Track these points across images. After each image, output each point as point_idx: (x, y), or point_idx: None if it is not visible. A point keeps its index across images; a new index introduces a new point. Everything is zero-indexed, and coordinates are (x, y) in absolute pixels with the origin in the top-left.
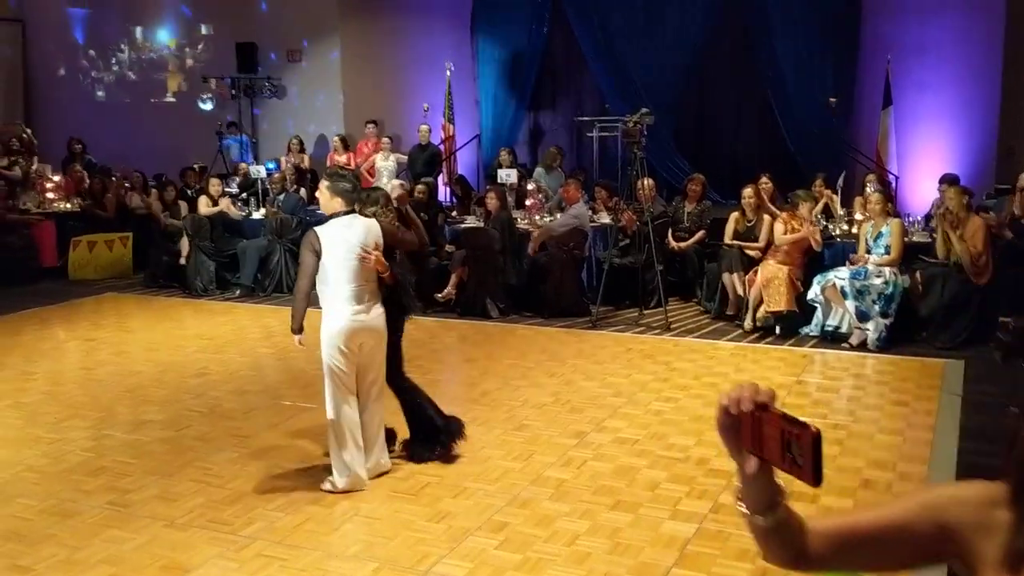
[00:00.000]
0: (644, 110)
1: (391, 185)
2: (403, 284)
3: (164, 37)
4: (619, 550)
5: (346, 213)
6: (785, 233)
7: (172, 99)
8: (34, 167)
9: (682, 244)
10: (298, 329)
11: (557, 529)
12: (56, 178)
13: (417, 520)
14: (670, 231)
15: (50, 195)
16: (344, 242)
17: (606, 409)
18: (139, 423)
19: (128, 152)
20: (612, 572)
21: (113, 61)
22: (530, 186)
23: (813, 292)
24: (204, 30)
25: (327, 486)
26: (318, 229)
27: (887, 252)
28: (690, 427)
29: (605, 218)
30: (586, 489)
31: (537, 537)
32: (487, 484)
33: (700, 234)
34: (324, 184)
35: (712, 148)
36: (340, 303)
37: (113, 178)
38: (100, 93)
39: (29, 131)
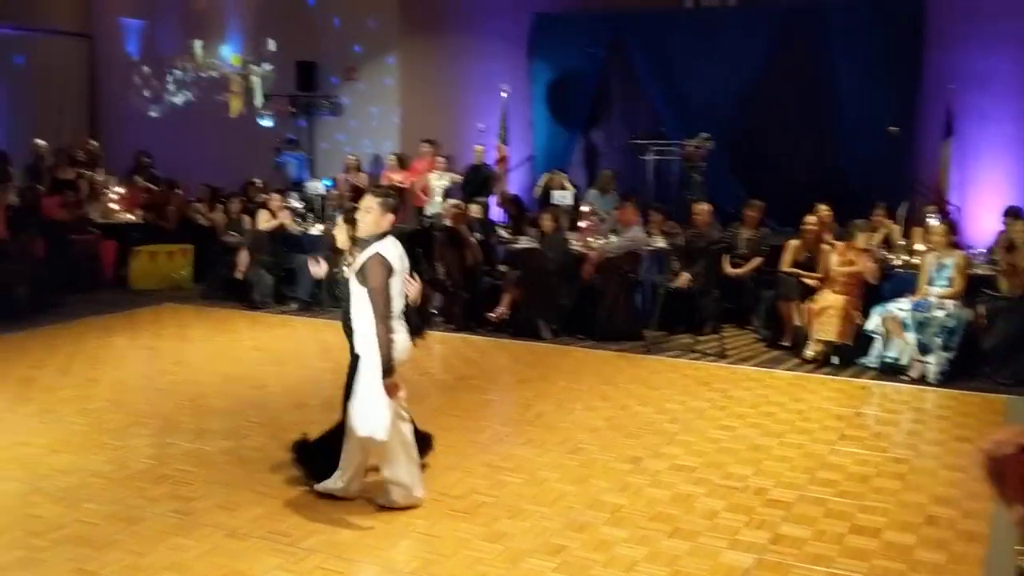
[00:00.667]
0: (704, 135)
1: (446, 204)
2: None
3: (227, 54)
4: None
5: (389, 232)
6: (841, 264)
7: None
8: (99, 178)
9: (738, 270)
10: (392, 371)
11: (615, 555)
12: (120, 190)
13: (474, 539)
14: (726, 257)
15: (113, 206)
16: (399, 260)
17: (662, 435)
18: (200, 432)
19: (189, 165)
20: None
21: (176, 76)
22: (584, 208)
23: (873, 323)
24: (270, 45)
25: (384, 501)
26: (381, 250)
27: (950, 284)
28: (748, 456)
29: (660, 242)
30: (643, 515)
31: (595, 562)
32: (543, 506)
33: (757, 261)
34: (375, 201)
35: (768, 174)
36: (394, 324)
37: (177, 191)
38: (162, 107)
39: (95, 143)
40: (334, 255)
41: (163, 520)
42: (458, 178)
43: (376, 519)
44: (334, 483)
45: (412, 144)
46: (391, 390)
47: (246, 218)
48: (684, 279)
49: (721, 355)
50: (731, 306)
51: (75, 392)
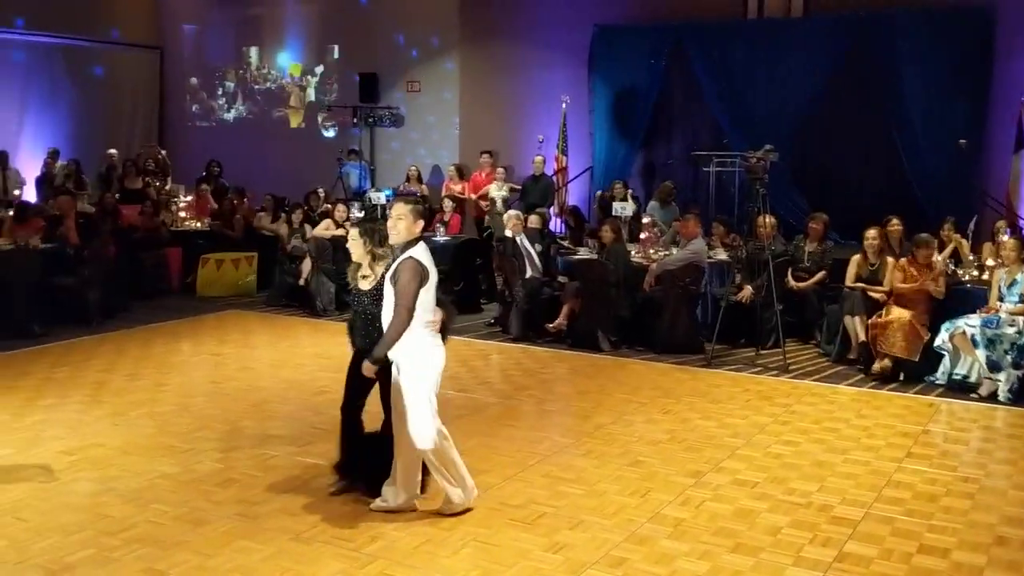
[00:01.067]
0: (768, 146)
1: (506, 215)
2: None
3: (286, 63)
4: None
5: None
6: (904, 280)
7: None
8: (167, 187)
9: (802, 284)
10: (384, 360)
11: (677, 568)
12: (188, 198)
13: (534, 550)
14: (790, 270)
15: (181, 214)
16: (432, 266)
17: (724, 449)
18: (265, 437)
19: (253, 175)
20: None
21: (242, 87)
22: (645, 220)
23: (941, 339)
24: (334, 54)
25: (446, 508)
26: (417, 256)
27: (1021, 300)
28: (812, 472)
29: (722, 254)
30: (705, 530)
31: (656, 575)
32: (603, 518)
33: (821, 274)
34: (406, 208)
35: (833, 187)
36: (430, 332)
37: (243, 200)
38: (228, 117)
39: (164, 152)
40: (353, 270)
41: (229, 522)
42: (517, 188)
43: (437, 527)
44: (394, 500)
45: (471, 155)
46: (366, 372)
47: (308, 227)
48: (746, 292)
49: (784, 369)
50: (794, 320)
51: (144, 396)
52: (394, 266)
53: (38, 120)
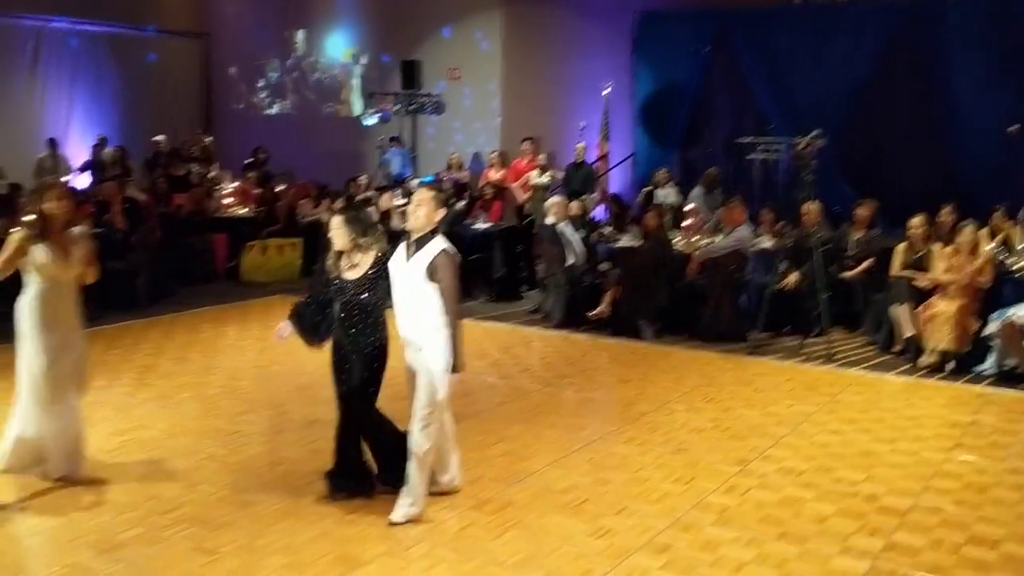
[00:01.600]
0: (815, 132)
1: (548, 202)
2: None
3: (336, 48)
4: None
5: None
6: (947, 270)
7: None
8: (211, 174)
9: (848, 273)
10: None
11: (722, 555)
12: (233, 185)
13: (578, 535)
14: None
15: (226, 201)
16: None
17: (769, 438)
18: (310, 421)
19: (296, 161)
20: None
21: (287, 75)
22: (688, 207)
23: (990, 329)
24: (371, 47)
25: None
26: (450, 249)
27: None
28: (859, 462)
29: (767, 242)
30: (751, 517)
31: (701, 562)
32: (647, 505)
33: (867, 263)
34: (428, 194)
35: (879, 175)
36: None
37: (289, 186)
38: (272, 104)
39: (209, 140)
40: (335, 259)
41: (275, 504)
42: (559, 175)
43: (481, 511)
44: (418, 509)
45: (513, 142)
46: (450, 385)
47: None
48: (792, 280)
49: (829, 358)
50: (839, 309)
51: (191, 379)
52: (428, 260)
53: (86, 108)
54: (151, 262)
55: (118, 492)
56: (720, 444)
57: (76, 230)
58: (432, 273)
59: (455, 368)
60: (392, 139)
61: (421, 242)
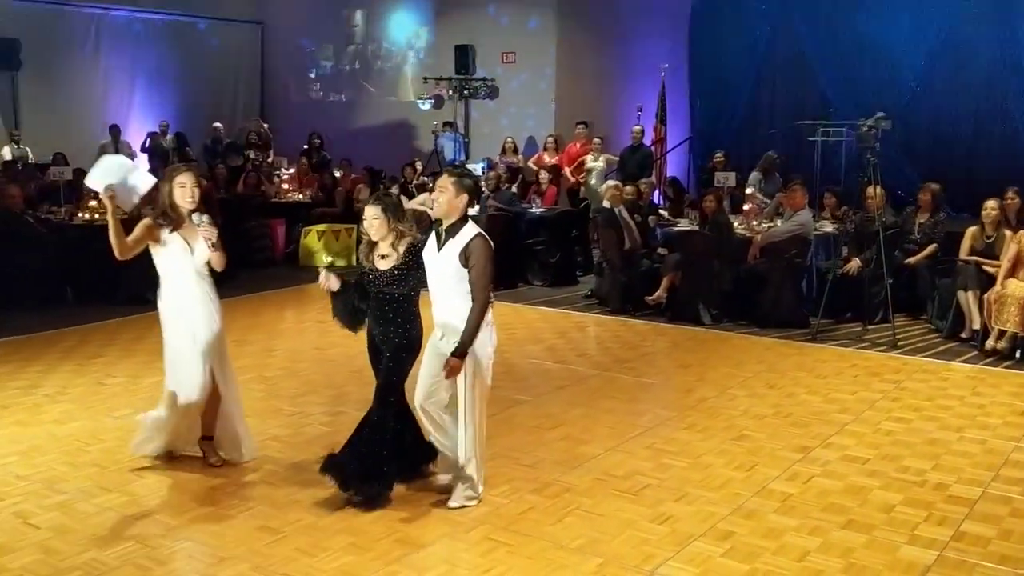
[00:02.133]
0: (880, 114)
1: (605, 186)
2: None
3: (390, 40)
4: (854, 571)
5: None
6: (1018, 254)
7: (393, 95)
8: (269, 160)
9: (912, 259)
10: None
11: (785, 543)
12: (291, 170)
13: (640, 520)
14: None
15: (284, 186)
16: None
17: (832, 425)
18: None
19: (351, 147)
20: None
21: (340, 61)
22: (748, 190)
23: None
24: (427, 32)
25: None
26: (483, 233)
27: None
28: (925, 450)
29: (828, 226)
30: (814, 505)
31: (765, 549)
32: (709, 491)
33: (932, 247)
34: (449, 181)
35: (945, 157)
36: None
37: (349, 173)
38: (327, 91)
39: (266, 126)
40: (367, 249)
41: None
42: (614, 159)
43: (540, 495)
44: (475, 493)
45: (567, 126)
46: (455, 370)
47: (404, 200)
48: (854, 265)
49: (893, 345)
50: (903, 295)
51: (253, 361)
52: (462, 246)
53: (146, 94)
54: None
55: (183, 471)
56: (782, 431)
57: (203, 216)
58: (466, 259)
59: (458, 351)
60: (446, 124)
61: (452, 230)
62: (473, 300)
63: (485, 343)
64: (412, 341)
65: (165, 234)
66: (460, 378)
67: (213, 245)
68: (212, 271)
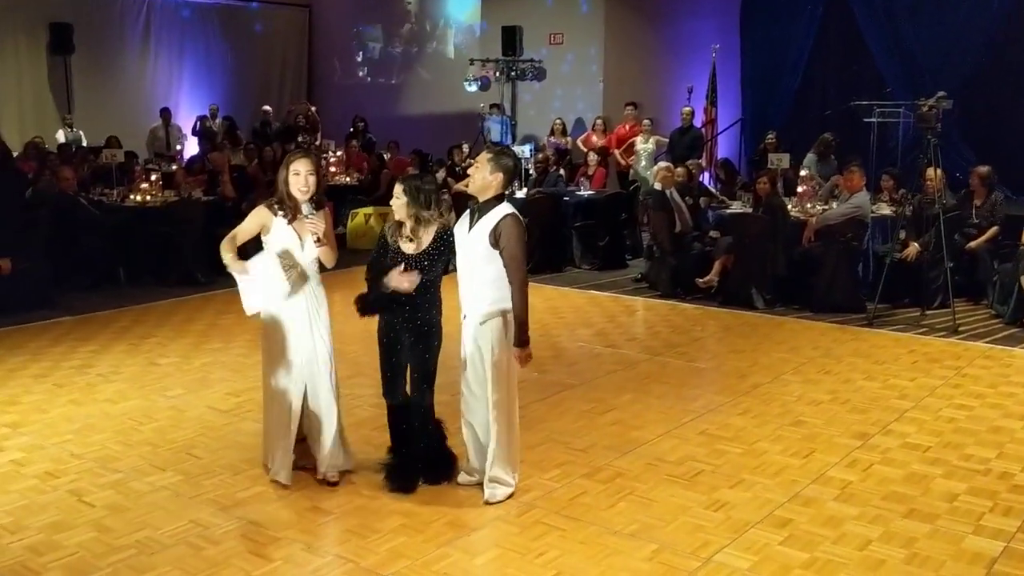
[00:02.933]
0: (941, 94)
1: (656, 167)
2: None
3: (437, 22)
4: (917, 561)
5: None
6: None
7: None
8: (317, 143)
9: (973, 243)
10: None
11: (846, 532)
12: (338, 153)
13: (694, 507)
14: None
15: (332, 169)
16: None
17: (891, 412)
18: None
19: (398, 130)
20: None
21: (386, 44)
22: (802, 172)
23: None
24: (472, 13)
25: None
26: (515, 212)
27: None
28: (989, 438)
29: (886, 209)
30: (875, 494)
31: (824, 538)
32: (765, 478)
33: (993, 230)
34: (485, 157)
35: (1005, 138)
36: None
37: (389, 155)
38: (373, 73)
39: (313, 109)
40: (394, 228)
41: None
42: (664, 141)
43: (593, 479)
44: (513, 479)
45: (616, 107)
46: (524, 360)
47: (451, 182)
48: (912, 249)
49: (953, 331)
50: (963, 279)
51: None
52: (492, 225)
53: (195, 78)
54: None
55: (236, 451)
56: (839, 417)
57: (313, 208)
58: (496, 239)
59: (518, 343)
60: (492, 106)
61: (484, 208)
62: (511, 281)
63: (504, 338)
64: (438, 326)
65: (278, 224)
66: (486, 364)
67: (318, 240)
68: (322, 267)
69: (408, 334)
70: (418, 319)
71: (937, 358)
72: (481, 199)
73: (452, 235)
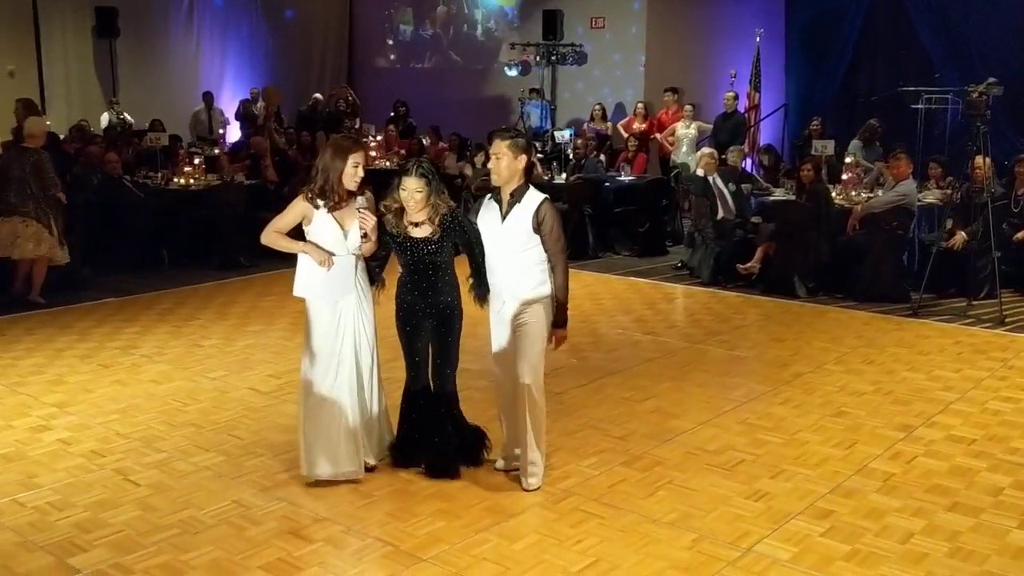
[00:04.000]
0: (991, 79)
1: (699, 153)
2: None
3: (476, 5)
4: (961, 555)
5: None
6: None
7: (480, 62)
8: (357, 127)
9: (1020, 234)
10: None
11: (888, 524)
12: (378, 138)
13: (734, 496)
14: None
15: (372, 154)
16: None
17: (935, 404)
18: (462, 370)
19: (438, 115)
20: None
21: (425, 28)
22: (847, 159)
23: None
24: None
25: (528, 482)
26: (547, 197)
27: None
28: None
29: (932, 197)
30: (918, 486)
31: (867, 530)
32: (807, 469)
33: None
34: (503, 145)
35: None
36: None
37: (438, 141)
38: (413, 58)
39: (354, 93)
40: (396, 215)
41: None
42: (707, 127)
43: (631, 467)
44: (541, 467)
45: (657, 93)
46: (560, 340)
47: (470, 172)
48: (959, 238)
49: (999, 322)
50: (1011, 269)
51: None
52: (532, 212)
53: (237, 62)
54: None
55: (277, 432)
56: (882, 408)
57: (361, 198)
58: (538, 225)
59: (557, 323)
60: (532, 91)
61: (516, 195)
62: (554, 264)
63: (545, 321)
64: (459, 308)
65: (319, 214)
66: (524, 349)
67: (365, 235)
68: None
69: (430, 319)
70: (440, 303)
71: (983, 349)
72: (508, 188)
73: (460, 217)
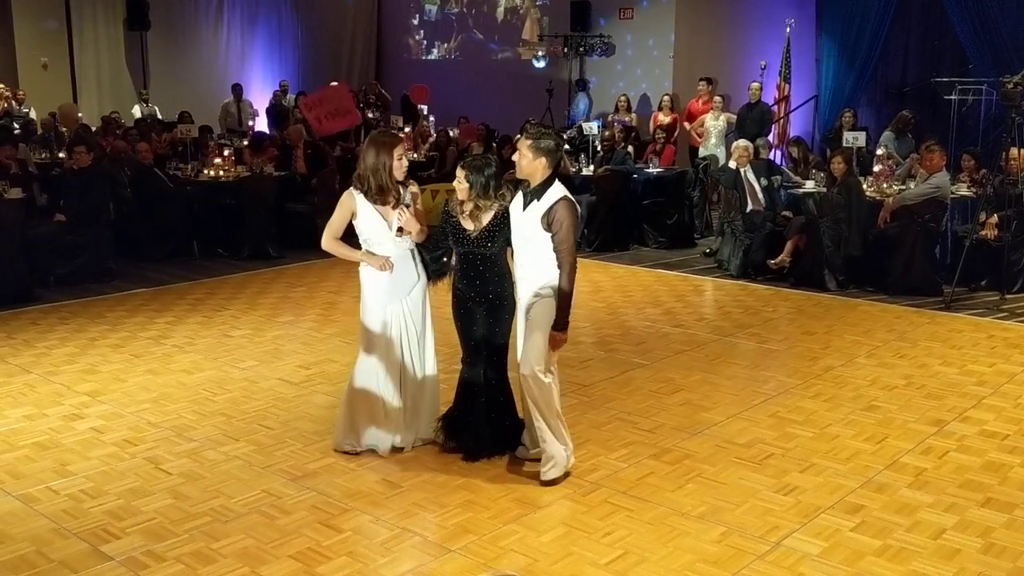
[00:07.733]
0: None
1: (734, 145)
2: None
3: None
4: (994, 551)
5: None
6: None
7: (509, 53)
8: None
9: None
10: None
11: (920, 520)
12: (407, 129)
13: (763, 490)
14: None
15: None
16: None
17: (968, 398)
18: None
19: (466, 106)
20: (987, 574)
21: (453, 20)
22: (879, 151)
23: None
24: None
25: (547, 472)
26: (569, 197)
27: None
28: None
29: (965, 190)
30: (950, 482)
31: (898, 525)
32: (837, 463)
33: None
34: (525, 144)
35: None
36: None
37: (458, 131)
38: (442, 50)
39: (382, 88)
40: (456, 203)
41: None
42: (735, 118)
43: (660, 460)
44: (566, 460)
45: (686, 84)
46: (558, 344)
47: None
48: (992, 231)
49: None
50: None
51: None
52: (546, 208)
53: (267, 54)
54: (331, 204)
55: (307, 422)
56: (914, 402)
57: (408, 194)
58: (549, 222)
59: (556, 325)
60: (578, 82)
61: (538, 192)
62: (560, 266)
63: (549, 317)
64: (508, 298)
65: (363, 207)
66: (529, 342)
67: (400, 230)
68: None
69: (482, 308)
70: (490, 292)
71: (1017, 343)
72: (533, 183)
73: (509, 214)
